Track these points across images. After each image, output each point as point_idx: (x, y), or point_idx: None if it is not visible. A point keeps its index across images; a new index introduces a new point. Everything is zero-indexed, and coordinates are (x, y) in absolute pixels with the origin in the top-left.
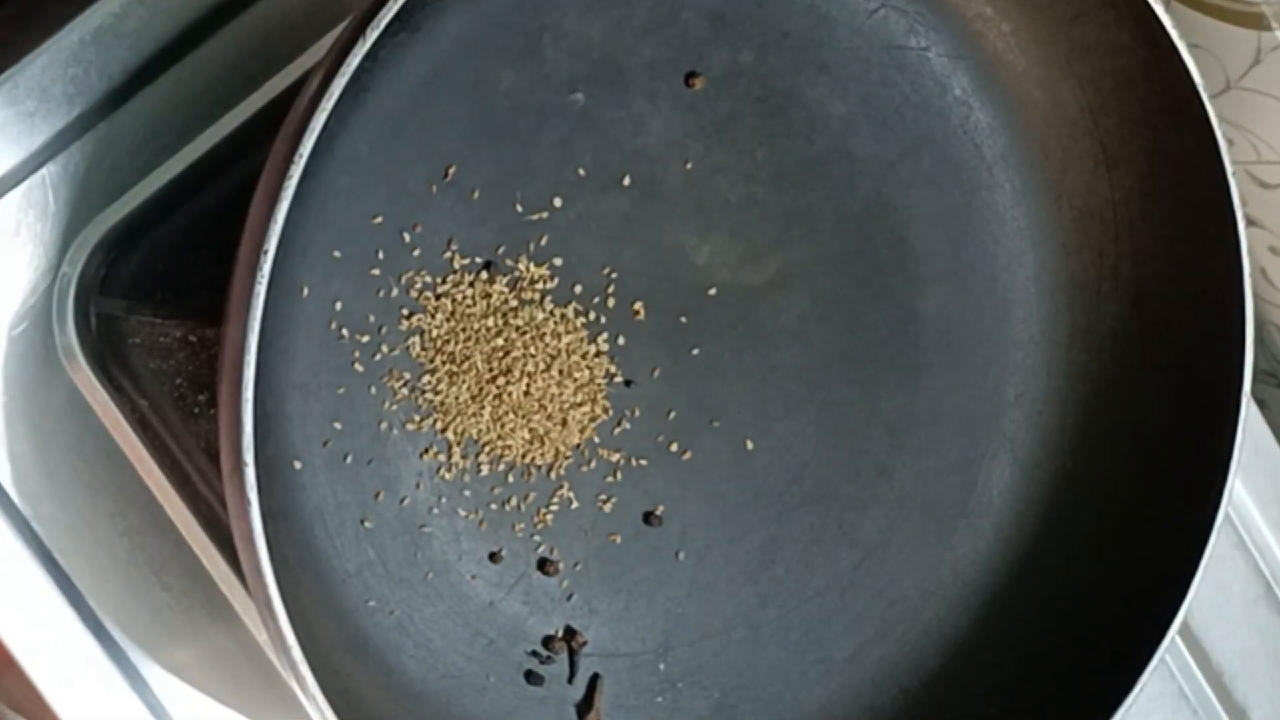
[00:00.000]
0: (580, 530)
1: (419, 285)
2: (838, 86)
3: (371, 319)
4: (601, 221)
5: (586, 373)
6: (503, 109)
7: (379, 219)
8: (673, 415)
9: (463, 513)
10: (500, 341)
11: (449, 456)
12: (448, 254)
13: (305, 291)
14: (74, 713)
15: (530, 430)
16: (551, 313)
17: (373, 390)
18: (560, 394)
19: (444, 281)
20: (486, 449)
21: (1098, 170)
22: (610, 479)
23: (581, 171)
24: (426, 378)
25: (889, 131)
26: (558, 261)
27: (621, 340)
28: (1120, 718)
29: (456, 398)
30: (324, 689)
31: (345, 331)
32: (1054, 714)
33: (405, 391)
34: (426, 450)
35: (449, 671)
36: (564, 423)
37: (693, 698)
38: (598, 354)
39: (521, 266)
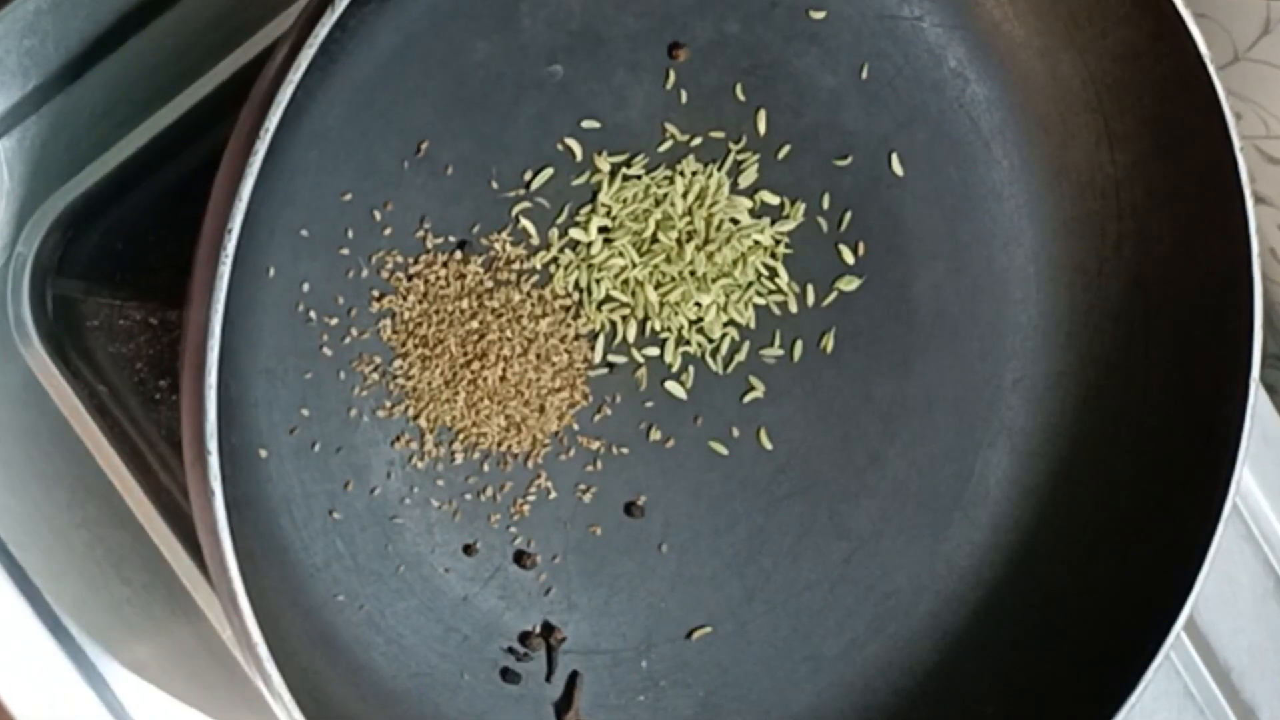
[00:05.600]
0: (559, 521)
1: (390, 265)
2: (828, 58)
3: (340, 301)
4: (580, 199)
5: (565, 357)
6: (478, 81)
7: (348, 196)
8: (654, 402)
9: (436, 503)
10: (475, 324)
11: (421, 444)
12: (420, 233)
13: (271, 272)
14: (29, 712)
15: (506, 417)
16: (529, 294)
17: (342, 375)
18: (538, 379)
19: (416, 262)
20: (461, 436)
21: (1099, 145)
22: (590, 468)
23: (560, 146)
24: (398, 362)
25: (881, 105)
26: (535, 241)
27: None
28: (1123, 717)
29: (429, 383)
30: (290, 687)
31: (313, 314)
32: (1054, 713)
33: (376, 376)
34: (398, 438)
35: (421, 669)
36: (541, 409)
37: (676, 696)
38: (577, 337)
39: (497, 246)
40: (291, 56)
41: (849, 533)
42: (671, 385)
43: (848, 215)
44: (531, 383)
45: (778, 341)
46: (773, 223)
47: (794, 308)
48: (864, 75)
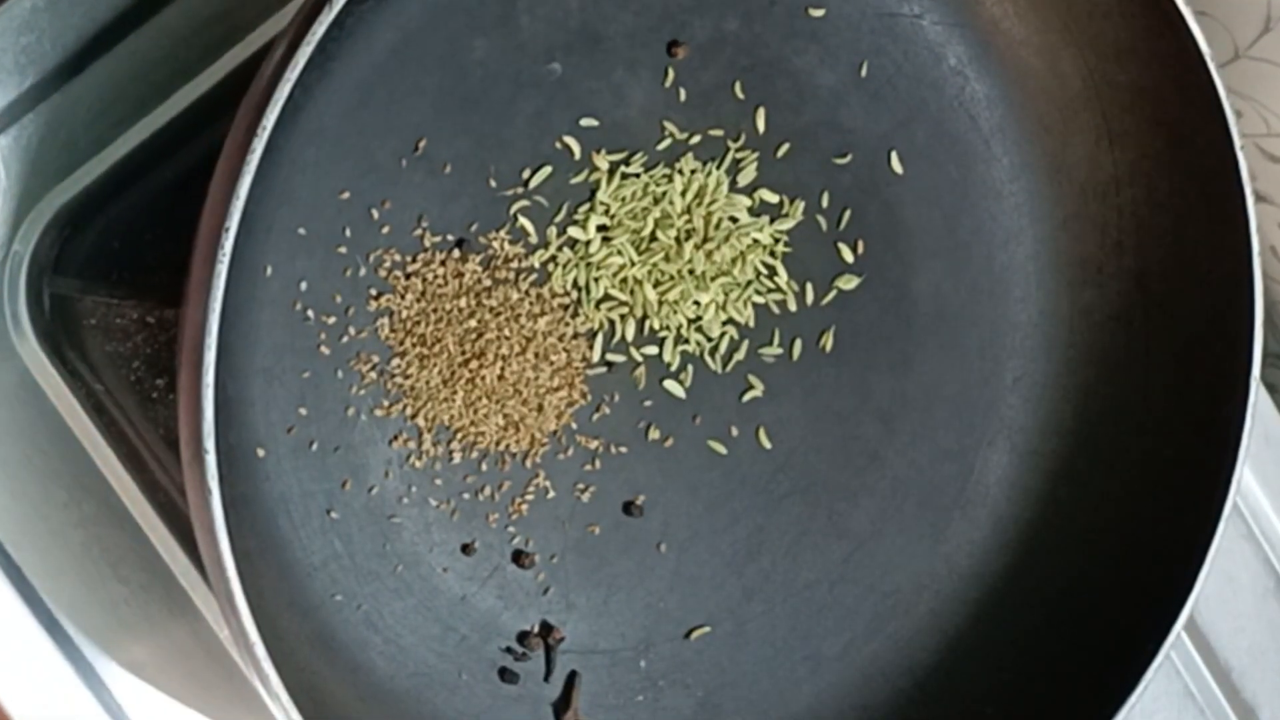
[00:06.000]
0: (557, 521)
1: (388, 264)
2: (827, 55)
3: (338, 299)
4: (578, 198)
5: (564, 356)
6: (475, 79)
7: (346, 194)
8: (653, 401)
9: (434, 502)
10: (473, 323)
11: (419, 443)
12: (418, 231)
13: (269, 271)
14: (26, 711)
15: (504, 416)
16: (527, 293)
17: (340, 374)
18: (536, 378)
19: (414, 260)
20: (459, 436)
21: (1100, 143)
22: (588, 467)
23: (558, 145)
24: (396, 361)
25: (881, 103)
26: (533, 239)
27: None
28: (1123, 717)
29: (427, 382)
30: (288, 687)
31: (311, 313)
32: (1054, 713)
33: (374, 375)
34: (396, 437)
35: (419, 669)
36: (540, 408)
37: (675, 696)
38: (575, 336)
39: (496, 244)
40: (289, 54)
41: (848, 532)
42: (670, 384)
43: (847, 213)
44: (530, 381)
45: (777, 340)
46: (772, 221)
47: (793, 306)
48: (863, 73)
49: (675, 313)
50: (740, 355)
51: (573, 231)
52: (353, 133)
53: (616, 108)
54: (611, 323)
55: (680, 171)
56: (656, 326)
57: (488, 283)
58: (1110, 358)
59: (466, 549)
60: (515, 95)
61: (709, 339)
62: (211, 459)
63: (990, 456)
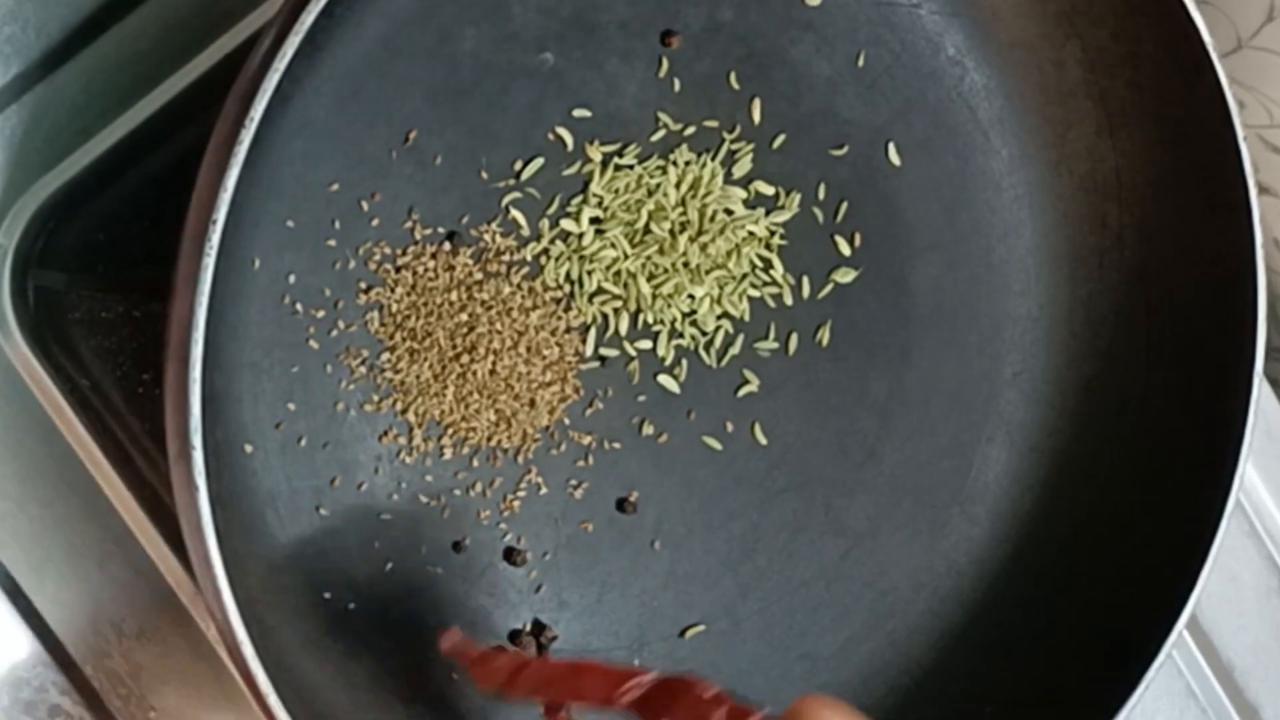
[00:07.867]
0: (549, 518)
1: (378, 257)
2: (823, 45)
3: (327, 293)
4: (571, 190)
5: (556, 350)
6: (467, 70)
7: (335, 187)
8: (647, 396)
9: (424, 499)
10: (464, 317)
11: (410, 439)
12: (408, 224)
13: (256, 264)
14: (10, 710)
15: (496, 411)
16: (519, 286)
17: (329, 369)
18: (528, 373)
19: (404, 253)
20: (449, 431)
21: (1100, 134)
22: (581, 463)
23: (551, 136)
24: (386, 355)
25: (878, 93)
26: (525, 232)
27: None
28: (1125, 716)
29: (418, 377)
30: (276, 686)
31: (299, 306)
32: (1054, 712)
33: (363, 370)
34: (386, 433)
35: (410, 668)
36: (532, 403)
37: None
38: (568, 330)
39: (487, 237)
40: (277, 45)
41: (845, 529)
42: (664, 379)
43: (844, 206)
44: (522, 376)
45: (772, 334)
46: (767, 213)
47: (789, 300)
48: (860, 63)
49: (669, 306)
50: (735, 350)
51: (565, 224)
52: (342, 124)
53: (610, 98)
54: (605, 316)
55: (674, 163)
56: (650, 320)
57: (479, 276)
58: (1111, 352)
59: (457, 546)
60: (507, 86)
61: (704, 333)
62: (199, 455)
63: (989, 452)
